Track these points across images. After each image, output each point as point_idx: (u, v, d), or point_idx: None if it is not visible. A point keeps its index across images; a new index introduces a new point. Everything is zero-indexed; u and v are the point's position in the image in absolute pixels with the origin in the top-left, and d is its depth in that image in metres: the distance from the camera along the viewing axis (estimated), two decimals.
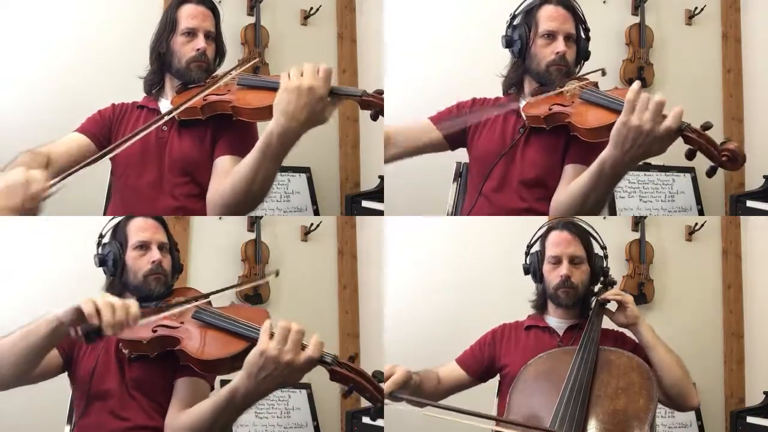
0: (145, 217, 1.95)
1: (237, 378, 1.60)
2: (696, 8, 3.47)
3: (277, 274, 2.12)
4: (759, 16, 3.46)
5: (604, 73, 2.00)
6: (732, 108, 3.47)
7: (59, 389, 2.09)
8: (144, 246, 1.91)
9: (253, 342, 1.63)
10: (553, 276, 2.03)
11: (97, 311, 1.55)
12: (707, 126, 1.68)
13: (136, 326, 1.75)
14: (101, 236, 1.97)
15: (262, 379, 1.57)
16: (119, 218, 1.97)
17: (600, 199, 1.82)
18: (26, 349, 1.65)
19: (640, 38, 3.42)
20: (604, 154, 1.73)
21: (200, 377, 1.83)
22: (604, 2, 3.41)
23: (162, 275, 1.91)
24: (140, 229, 1.93)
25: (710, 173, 1.71)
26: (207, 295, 1.85)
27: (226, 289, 1.94)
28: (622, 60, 3.40)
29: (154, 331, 1.75)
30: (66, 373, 1.92)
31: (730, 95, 3.49)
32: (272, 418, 3.21)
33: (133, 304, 1.59)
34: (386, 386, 1.60)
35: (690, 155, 1.69)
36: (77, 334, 1.56)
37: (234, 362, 1.67)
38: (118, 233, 1.95)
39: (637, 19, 3.44)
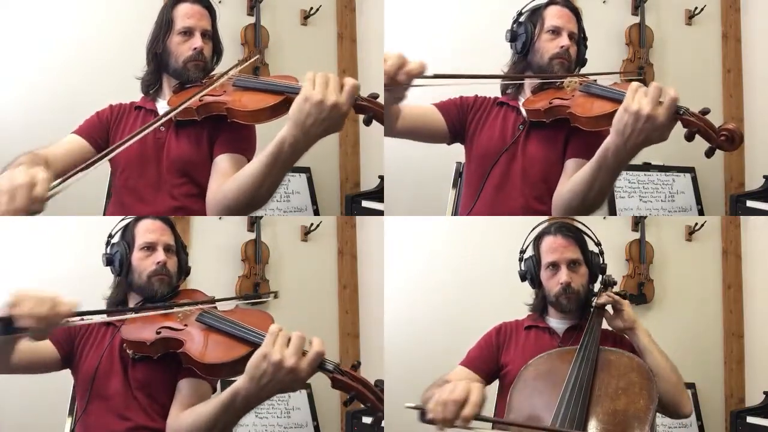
0: (153, 218, 1.96)
1: (239, 381, 1.59)
2: (696, 8, 3.47)
3: (276, 296, 2.11)
4: (759, 16, 3.47)
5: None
6: (732, 108, 3.47)
7: (60, 388, 2.10)
8: (150, 247, 1.93)
9: (256, 347, 1.63)
10: (552, 283, 2.02)
11: (16, 302, 1.49)
12: (705, 111, 1.72)
13: (141, 327, 1.78)
14: (110, 236, 1.98)
15: (264, 384, 1.56)
16: (129, 219, 1.98)
17: (603, 189, 1.82)
18: None
19: (640, 38, 3.42)
20: (607, 141, 1.74)
21: (203, 378, 1.83)
22: (604, 2, 3.41)
23: (166, 276, 1.91)
24: (147, 230, 1.94)
25: (709, 153, 1.73)
26: (213, 300, 1.86)
27: (231, 299, 1.94)
28: (622, 60, 3.40)
29: (158, 333, 1.75)
30: (68, 371, 1.92)
31: (730, 95, 3.49)
32: (272, 418, 3.21)
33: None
34: (469, 411, 1.51)
35: (689, 136, 1.72)
36: None
37: (236, 366, 1.66)
38: (127, 234, 1.96)
39: (637, 19, 3.44)
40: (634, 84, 1.71)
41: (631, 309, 1.98)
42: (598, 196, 1.84)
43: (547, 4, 2.09)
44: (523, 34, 2.08)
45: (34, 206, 1.51)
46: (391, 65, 1.74)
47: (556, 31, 2.04)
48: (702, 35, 3.51)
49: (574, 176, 1.87)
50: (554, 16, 2.06)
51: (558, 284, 2.00)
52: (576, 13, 2.10)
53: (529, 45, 2.07)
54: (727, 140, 1.71)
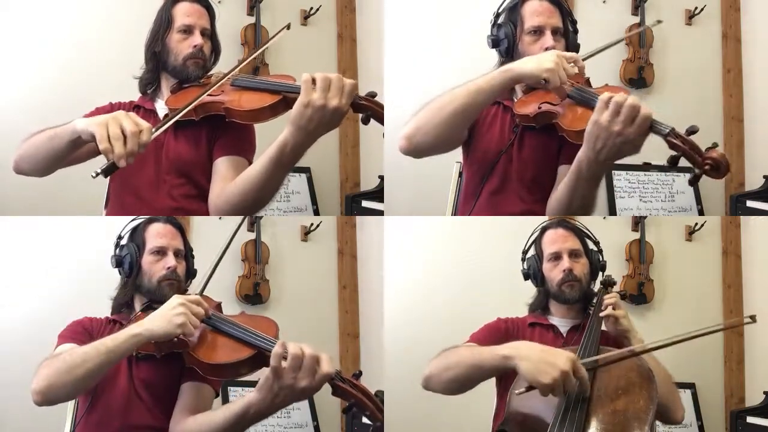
0: (164, 222, 1.96)
1: (250, 395, 1.61)
2: (696, 8, 3.47)
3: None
4: (759, 16, 3.46)
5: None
6: (732, 108, 3.47)
7: None
8: (161, 251, 1.93)
9: (259, 350, 1.64)
10: (555, 273, 2.03)
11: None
12: (692, 130, 1.65)
13: None
14: (120, 237, 1.99)
15: (279, 402, 1.59)
16: (138, 220, 1.98)
17: (585, 200, 1.81)
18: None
19: (640, 38, 3.41)
20: (580, 154, 1.71)
21: (206, 382, 1.83)
22: (604, 2, 3.41)
23: (175, 281, 1.92)
24: (158, 234, 1.94)
25: (692, 182, 1.67)
26: (201, 289, 1.84)
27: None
28: (622, 60, 3.40)
29: None
30: None
31: (730, 95, 3.49)
32: (272, 418, 3.20)
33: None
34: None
35: (673, 161, 1.66)
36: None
37: (239, 368, 1.67)
38: (136, 236, 1.96)
39: (637, 19, 3.44)
40: (605, 96, 1.64)
41: (627, 319, 1.95)
42: (582, 207, 1.82)
43: (524, 0, 1.97)
44: (504, 39, 1.98)
45: (140, 150, 1.64)
46: None
47: (538, 31, 1.93)
48: (702, 35, 3.51)
49: (558, 187, 1.86)
50: (533, 13, 1.94)
51: (561, 272, 2.02)
52: (556, 2, 1.96)
53: (513, 49, 1.97)
54: (712, 169, 1.63)
